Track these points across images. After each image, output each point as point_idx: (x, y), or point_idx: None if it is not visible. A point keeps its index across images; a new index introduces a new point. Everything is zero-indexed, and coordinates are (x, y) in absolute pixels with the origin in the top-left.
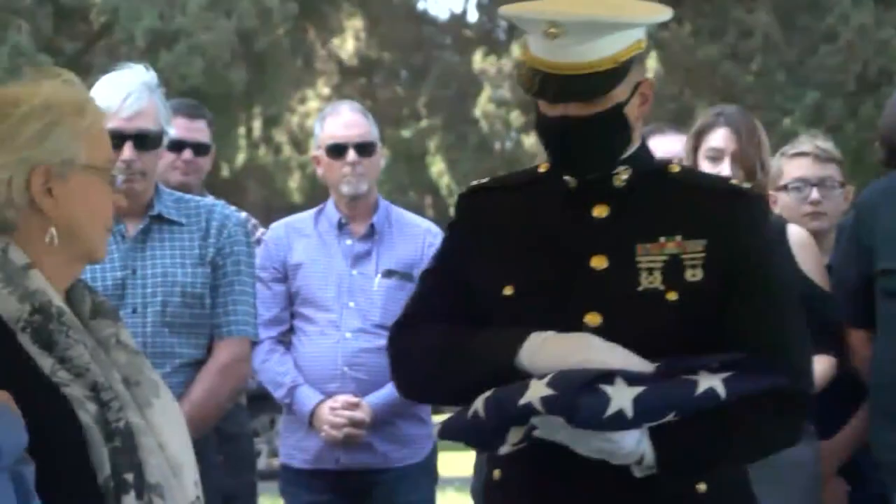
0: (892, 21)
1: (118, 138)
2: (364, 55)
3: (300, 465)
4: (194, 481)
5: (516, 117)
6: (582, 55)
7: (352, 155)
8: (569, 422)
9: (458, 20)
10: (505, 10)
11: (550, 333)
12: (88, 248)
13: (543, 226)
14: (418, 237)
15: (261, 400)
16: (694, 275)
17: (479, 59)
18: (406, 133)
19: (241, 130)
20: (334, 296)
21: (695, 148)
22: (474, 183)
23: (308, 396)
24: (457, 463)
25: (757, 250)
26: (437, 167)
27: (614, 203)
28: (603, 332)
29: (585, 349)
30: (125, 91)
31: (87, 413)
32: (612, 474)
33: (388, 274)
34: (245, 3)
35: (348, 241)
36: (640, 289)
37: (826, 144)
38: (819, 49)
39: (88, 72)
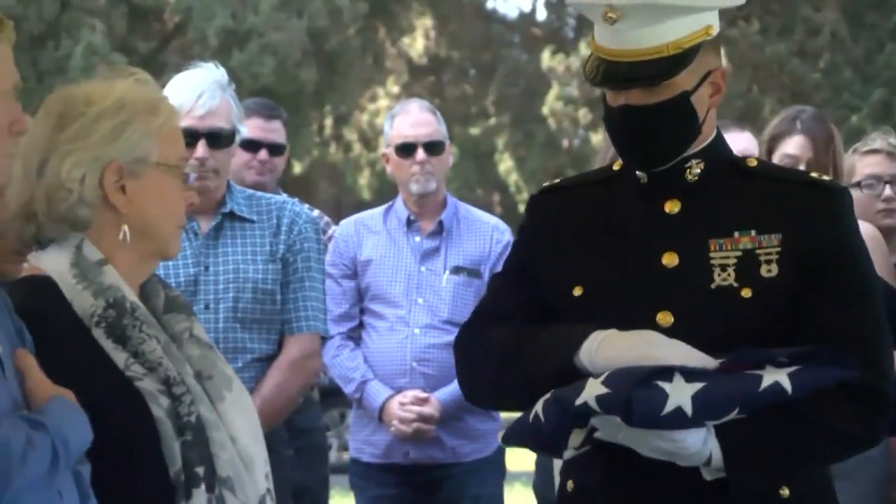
0: None
1: (191, 136)
2: (433, 54)
3: (370, 460)
4: (265, 474)
5: (584, 115)
6: (642, 40)
7: (421, 154)
8: (625, 420)
9: (527, 19)
10: None
11: (612, 331)
12: (161, 245)
13: (614, 223)
14: (486, 234)
15: (332, 395)
16: (769, 270)
17: (547, 58)
18: (474, 131)
19: (312, 129)
20: (403, 292)
21: (769, 152)
22: (546, 184)
23: (378, 391)
24: (524, 458)
25: (839, 242)
26: (505, 165)
27: (686, 198)
28: (675, 331)
29: (645, 346)
30: (198, 89)
31: (159, 407)
32: (689, 481)
33: (457, 270)
34: (316, 2)
35: (417, 238)
36: (714, 286)
37: None
38: (886, 46)
39: (162, 71)
